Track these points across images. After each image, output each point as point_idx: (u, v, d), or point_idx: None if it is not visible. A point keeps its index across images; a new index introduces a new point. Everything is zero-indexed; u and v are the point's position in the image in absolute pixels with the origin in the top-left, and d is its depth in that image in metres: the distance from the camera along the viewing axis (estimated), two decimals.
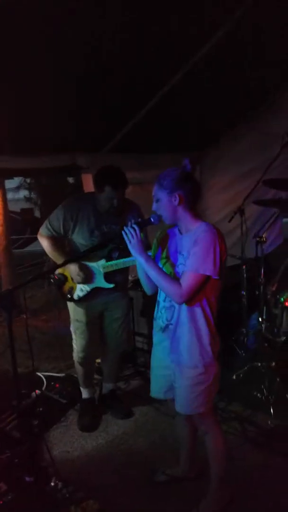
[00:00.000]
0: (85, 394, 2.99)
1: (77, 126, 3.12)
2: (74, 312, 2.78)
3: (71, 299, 2.72)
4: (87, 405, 2.96)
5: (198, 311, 1.81)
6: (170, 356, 1.90)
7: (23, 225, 8.54)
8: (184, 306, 1.81)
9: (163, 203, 1.80)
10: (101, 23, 2.22)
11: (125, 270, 2.74)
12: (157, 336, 1.98)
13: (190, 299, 1.77)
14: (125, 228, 1.83)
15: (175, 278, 1.80)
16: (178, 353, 1.86)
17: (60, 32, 2.16)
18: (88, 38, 2.29)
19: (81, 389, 3.00)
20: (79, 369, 2.93)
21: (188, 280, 1.74)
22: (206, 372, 1.85)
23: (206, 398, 1.88)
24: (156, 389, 2.03)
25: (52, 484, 2.07)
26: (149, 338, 3.30)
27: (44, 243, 2.69)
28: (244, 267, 3.29)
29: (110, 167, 2.62)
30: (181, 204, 1.78)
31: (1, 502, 1.95)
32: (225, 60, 2.90)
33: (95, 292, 2.68)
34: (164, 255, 1.93)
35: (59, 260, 2.63)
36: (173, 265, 1.86)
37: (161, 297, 1.94)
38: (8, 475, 1.98)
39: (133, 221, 1.86)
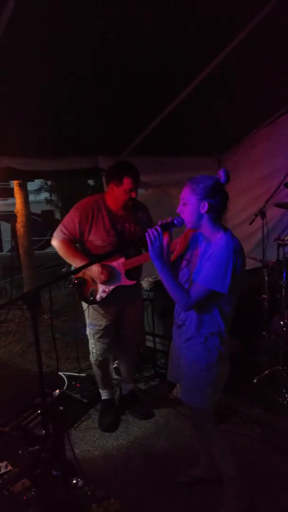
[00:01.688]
0: (104, 395, 3.01)
1: (98, 129, 3.17)
2: (92, 316, 2.76)
3: (94, 301, 2.70)
4: (107, 406, 2.98)
5: (207, 316, 1.88)
6: (181, 350, 2.00)
7: (44, 227, 8.65)
8: (195, 313, 1.88)
9: (190, 207, 1.81)
10: (124, 23, 2.24)
11: (139, 267, 2.77)
12: (174, 330, 2.08)
13: (200, 308, 1.85)
14: (148, 230, 1.84)
15: (191, 283, 1.87)
16: (186, 349, 1.95)
17: (84, 35, 2.21)
18: (114, 42, 2.33)
19: (100, 390, 3.02)
20: (97, 371, 2.94)
21: (197, 292, 1.80)
22: (209, 371, 1.91)
23: (207, 395, 1.95)
24: (170, 374, 2.15)
25: (74, 481, 2.09)
26: (168, 339, 3.31)
27: (60, 247, 2.66)
28: (265, 270, 3.27)
29: (123, 161, 2.66)
30: (207, 213, 1.79)
31: (24, 497, 1.98)
32: (247, 63, 2.91)
33: (117, 291, 2.68)
34: (185, 257, 1.96)
35: (75, 263, 2.62)
36: (192, 271, 1.90)
37: None
38: (32, 470, 2.02)
39: (159, 223, 1.86)
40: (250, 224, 3.37)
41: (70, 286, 2.62)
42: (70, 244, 2.66)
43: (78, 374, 3.48)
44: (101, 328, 2.77)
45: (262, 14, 2.45)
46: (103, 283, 2.64)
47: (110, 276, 2.62)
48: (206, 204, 1.77)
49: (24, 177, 4.66)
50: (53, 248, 2.74)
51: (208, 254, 1.81)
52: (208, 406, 1.98)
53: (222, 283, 1.75)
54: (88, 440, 2.72)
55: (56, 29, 2.12)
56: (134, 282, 2.67)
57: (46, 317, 4.57)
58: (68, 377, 3.46)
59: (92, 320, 2.77)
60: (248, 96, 3.31)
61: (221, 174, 1.79)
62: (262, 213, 3.27)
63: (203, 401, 1.96)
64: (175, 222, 1.86)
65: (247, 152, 4.22)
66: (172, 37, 2.44)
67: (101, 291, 2.67)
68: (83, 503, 2.00)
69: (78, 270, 2.44)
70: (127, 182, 2.52)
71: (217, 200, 1.79)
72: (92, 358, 2.88)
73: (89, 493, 2.06)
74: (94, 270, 2.59)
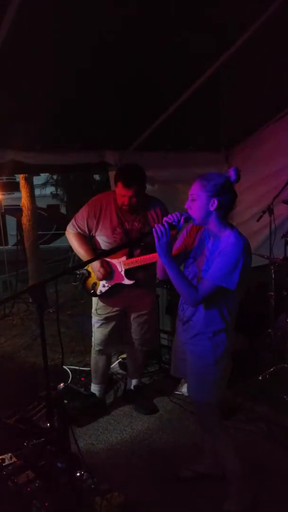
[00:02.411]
0: (94, 389, 3.01)
1: (105, 123, 3.15)
2: (97, 306, 2.84)
3: (94, 294, 2.78)
4: (90, 403, 2.94)
5: (216, 315, 1.89)
6: (186, 345, 2.01)
7: (49, 221, 8.66)
8: (203, 309, 1.89)
9: (199, 203, 1.80)
10: (130, 16, 2.21)
11: (149, 267, 2.73)
12: (179, 326, 2.07)
13: (207, 304, 1.86)
14: (155, 225, 1.83)
15: (198, 280, 1.87)
16: (193, 344, 1.96)
17: (91, 28, 2.19)
18: (120, 36, 2.31)
19: (92, 384, 3.02)
20: (93, 362, 2.98)
21: (206, 288, 1.80)
22: (216, 365, 1.92)
23: (213, 390, 1.95)
24: (175, 369, 2.16)
25: (78, 474, 2.10)
26: (173, 335, 3.30)
27: (71, 240, 2.78)
28: (272, 267, 3.25)
29: (128, 164, 2.68)
30: (216, 211, 1.79)
31: (28, 489, 1.99)
32: (255, 59, 2.87)
33: (117, 289, 2.71)
34: (191, 254, 1.96)
35: (84, 257, 2.69)
36: (199, 268, 1.90)
37: None
38: (36, 462, 2.03)
39: (165, 219, 1.85)
40: (258, 220, 3.36)
41: (78, 276, 2.74)
42: (79, 237, 2.75)
43: (82, 368, 3.48)
44: (101, 318, 2.82)
45: (269, 11, 2.41)
46: (101, 279, 2.68)
47: (108, 273, 2.67)
48: (216, 202, 1.77)
49: (30, 171, 4.66)
50: (59, 242, 2.78)
51: (218, 251, 1.81)
52: (215, 401, 1.99)
53: (231, 280, 1.76)
54: (92, 434, 2.73)
55: (63, 22, 2.10)
56: (132, 282, 2.67)
57: (51, 311, 4.58)
58: (72, 371, 3.47)
59: (96, 310, 2.84)
60: (256, 92, 3.27)
61: (231, 173, 1.79)
62: (269, 210, 3.25)
63: (210, 396, 1.97)
64: (182, 218, 1.84)
65: (255, 148, 4.18)
66: (178, 33, 2.42)
67: (102, 285, 2.74)
68: (86, 496, 2.01)
69: (83, 264, 2.50)
70: (119, 187, 2.54)
71: (226, 199, 1.80)
72: (92, 348, 2.95)
73: (92, 486, 2.06)
74: (94, 265, 2.67)
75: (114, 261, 2.68)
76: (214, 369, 1.93)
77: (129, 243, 2.61)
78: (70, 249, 2.92)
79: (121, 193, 2.55)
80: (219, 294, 1.82)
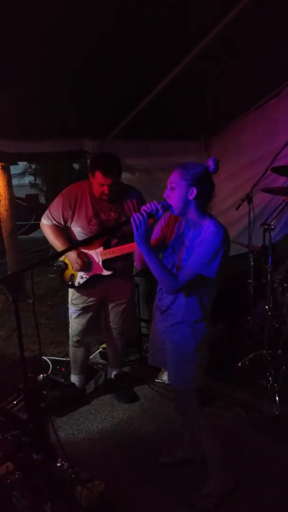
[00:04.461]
0: (73, 379, 3.01)
1: (83, 111, 3.08)
2: (72, 296, 2.81)
3: (72, 286, 2.75)
4: (70, 393, 2.94)
5: (195, 302, 1.90)
6: (165, 334, 2.01)
7: (28, 212, 8.52)
8: (183, 297, 1.90)
9: (178, 192, 1.79)
10: (104, 5, 2.16)
11: (127, 256, 2.72)
12: (157, 315, 2.08)
13: (186, 291, 1.87)
14: (134, 214, 1.82)
15: (177, 269, 1.88)
16: (173, 332, 1.97)
17: (65, 17, 2.12)
18: (93, 22, 2.25)
19: (71, 375, 3.01)
20: (71, 353, 2.96)
21: (185, 275, 1.81)
22: (196, 352, 1.94)
23: (195, 376, 1.98)
24: (153, 359, 2.19)
25: (58, 464, 2.09)
26: None
27: (46, 231, 2.72)
28: (251, 255, 3.28)
29: (104, 153, 2.65)
30: (195, 200, 1.79)
31: (8, 480, 1.98)
32: (234, 46, 2.85)
33: (95, 279, 2.69)
34: (170, 244, 1.96)
35: (57, 247, 2.66)
36: (178, 258, 1.91)
37: None
38: (16, 454, 2.01)
39: (143, 208, 1.84)
40: (237, 209, 3.36)
41: (55, 268, 2.70)
42: (54, 228, 2.69)
43: (63, 359, 3.46)
44: (78, 309, 2.80)
45: None
46: (78, 270, 2.65)
47: (85, 264, 2.64)
48: (195, 191, 1.76)
49: (7, 159, 4.54)
50: (38, 233, 2.74)
51: (199, 239, 1.81)
52: (195, 387, 2.01)
53: (211, 268, 1.77)
54: (73, 424, 2.72)
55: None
56: (110, 272, 2.66)
57: (30, 301, 4.52)
58: (53, 361, 3.45)
59: (72, 300, 2.82)
60: (235, 80, 3.25)
61: (210, 163, 1.79)
62: (248, 198, 3.26)
63: (191, 382, 1.99)
64: (161, 207, 1.83)
65: (235, 137, 4.18)
66: (157, 16, 2.37)
67: (79, 276, 2.71)
68: (67, 486, 2.01)
69: (59, 255, 2.47)
70: (98, 176, 2.48)
71: (205, 188, 1.80)
72: (69, 339, 2.93)
73: (73, 475, 2.06)
74: (71, 257, 2.64)
75: (91, 252, 2.65)
76: (195, 356, 1.94)
77: (105, 232, 2.58)
78: None
79: (100, 182, 2.49)
80: (198, 282, 1.83)
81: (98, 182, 2.50)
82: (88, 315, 2.81)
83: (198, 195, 1.77)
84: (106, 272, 2.66)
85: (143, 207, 1.83)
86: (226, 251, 1.79)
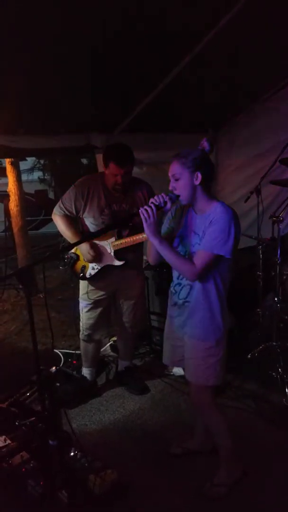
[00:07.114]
0: (85, 372, 3.04)
1: (91, 106, 3.10)
2: (84, 290, 2.83)
3: (83, 277, 2.78)
4: (82, 385, 2.97)
5: (212, 288, 1.88)
6: (184, 329, 1.99)
7: (38, 207, 8.57)
8: (199, 284, 1.88)
9: (183, 181, 1.81)
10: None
11: (138, 248, 2.75)
12: (172, 310, 2.06)
13: (204, 277, 1.84)
14: (142, 208, 1.84)
15: (189, 257, 1.86)
16: (193, 327, 1.95)
17: (74, 11, 2.13)
18: (102, 17, 2.25)
19: (83, 368, 3.05)
20: (82, 347, 3.00)
21: (202, 259, 1.80)
22: (217, 346, 1.93)
23: (216, 371, 1.96)
24: (168, 357, 2.16)
25: (72, 454, 2.14)
26: (164, 317, 3.33)
27: (58, 222, 2.75)
28: (260, 247, 3.28)
29: (116, 144, 2.66)
30: (201, 184, 1.80)
31: (23, 469, 2.03)
32: (242, 39, 2.83)
33: (107, 270, 2.71)
34: (179, 233, 1.97)
35: (72, 239, 2.68)
36: (189, 245, 1.91)
37: (175, 274, 2.01)
38: (31, 443, 2.06)
39: (151, 200, 1.86)
40: (246, 201, 3.36)
41: (66, 260, 2.72)
42: (66, 219, 2.73)
43: (74, 352, 3.51)
44: (89, 302, 2.82)
45: None
46: (91, 261, 2.66)
47: (98, 255, 2.66)
48: (199, 175, 1.78)
49: (16, 155, 4.58)
50: (47, 228, 2.77)
51: (209, 221, 1.81)
52: (219, 382, 2.00)
53: (226, 247, 1.77)
54: (85, 415, 2.77)
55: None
56: (122, 262, 2.68)
57: (41, 296, 4.58)
58: (64, 354, 3.50)
59: (83, 294, 2.84)
60: (243, 73, 3.24)
61: (205, 144, 1.83)
62: (257, 191, 3.25)
63: (214, 378, 1.97)
64: (169, 199, 1.84)
65: (242, 129, 4.16)
66: (163, 12, 2.36)
67: (91, 268, 2.73)
68: (81, 474, 2.05)
69: (70, 246, 2.49)
70: (112, 167, 2.52)
71: (208, 169, 1.82)
72: (80, 333, 2.96)
73: (86, 464, 2.11)
74: (83, 248, 2.66)
75: (103, 243, 2.68)
76: (217, 350, 1.94)
77: (117, 224, 2.60)
78: (59, 234, 2.88)
79: (114, 173, 2.52)
80: (215, 265, 1.82)
81: (112, 172, 2.53)
82: (99, 310, 2.84)
83: (203, 178, 1.79)
84: (118, 263, 2.67)
85: (151, 200, 1.85)
86: (237, 232, 1.78)
